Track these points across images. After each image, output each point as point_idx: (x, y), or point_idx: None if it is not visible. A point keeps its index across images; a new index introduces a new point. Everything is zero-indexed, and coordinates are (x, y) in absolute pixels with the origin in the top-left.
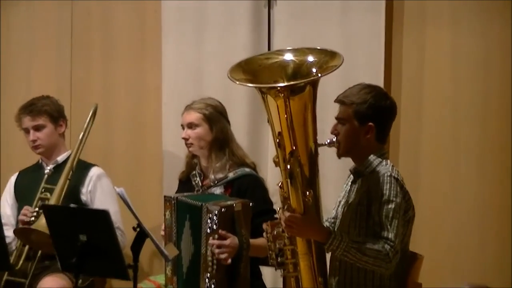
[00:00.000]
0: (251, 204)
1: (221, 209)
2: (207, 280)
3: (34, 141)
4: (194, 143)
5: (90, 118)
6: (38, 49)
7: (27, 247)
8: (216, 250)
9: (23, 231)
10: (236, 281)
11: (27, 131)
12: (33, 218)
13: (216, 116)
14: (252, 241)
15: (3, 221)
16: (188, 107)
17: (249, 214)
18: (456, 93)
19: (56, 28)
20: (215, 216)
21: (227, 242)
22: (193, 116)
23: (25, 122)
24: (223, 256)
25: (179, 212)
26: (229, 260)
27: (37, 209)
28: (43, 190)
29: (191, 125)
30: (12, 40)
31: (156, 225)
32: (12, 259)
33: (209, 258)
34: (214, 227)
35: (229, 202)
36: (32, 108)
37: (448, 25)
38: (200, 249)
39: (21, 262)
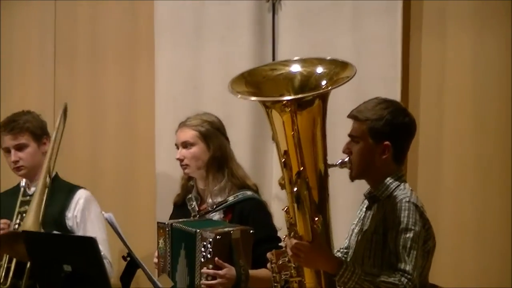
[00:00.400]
0: (252, 231)
1: (216, 237)
2: None
3: (16, 162)
4: (190, 164)
5: (60, 119)
6: (17, 56)
7: (13, 263)
8: (209, 282)
9: (8, 238)
10: None
11: (7, 150)
12: (16, 226)
13: (213, 133)
14: (253, 272)
15: None
16: (182, 124)
17: (249, 242)
18: (480, 106)
19: (37, 31)
20: (209, 244)
21: (222, 272)
22: (188, 134)
23: (6, 141)
24: None
25: (173, 240)
26: None
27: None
28: (19, 216)
29: (186, 144)
30: None
31: (149, 253)
32: None
33: None
34: (209, 256)
35: (226, 229)
36: (13, 125)
37: (471, 29)
38: (194, 281)
39: (9, 280)
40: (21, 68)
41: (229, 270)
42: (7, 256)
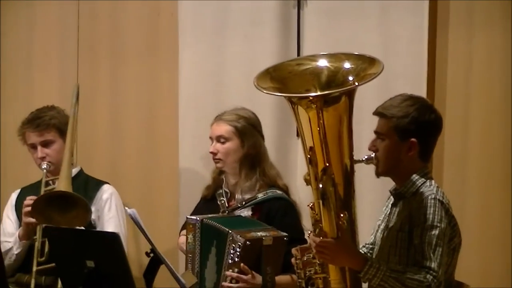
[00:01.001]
0: (285, 238)
1: (246, 242)
2: None
3: (42, 158)
4: (223, 158)
5: (75, 102)
6: (40, 54)
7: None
8: (231, 285)
9: (40, 204)
10: None
11: (33, 146)
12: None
13: (249, 130)
14: (278, 278)
15: (2, 238)
16: (218, 118)
17: (281, 248)
18: (508, 105)
19: (60, 30)
20: (238, 248)
21: (245, 277)
22: (223, 129)
23: (32, 137)
24: None
25: (203, 236)
26: None
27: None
28: None
29: (220, 139)
30: (10, 45)
31: (172, 249)
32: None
33: None
34: (236, 259)
35: (259, 234)
36: (39, 122)
37: (499, 27)
38: (220, 280)
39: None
40: (43, 65)
41: (252, 278)
42: (41, 230)
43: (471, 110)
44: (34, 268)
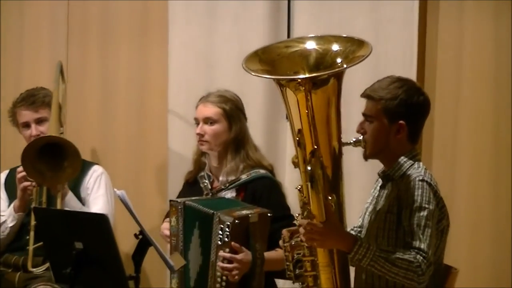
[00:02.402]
0: (270, 214)
1: (235, 221)
2: None
3: (37, 136)
4: (209, 140)
5: (58, 78)
6: (29, 35)
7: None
8: (226, 265)
9: (30, 153)
10: None
11: (26, 125)
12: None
13: (236, 113)
14: (267, 254)
15: None
16: (205, 100)
17: (266, 225)
18: (499, 87)
19: (50, 12)
20: (227, 228)
21: (238, 256)
22: (212, 111)
23: (25, 115)
24: (233, 273)
25: (187, 218)
26: (236, 277)
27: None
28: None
29: (207, 120)
30: (1, 29)
31: (160, 230)
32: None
33: (218, 274)
34: (226, 239)
35: (244, 212)
36: (34, 99)
37: (489, 10)
38: (209, 262)
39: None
40: (33, 47)
41: (245, 255)
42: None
43: (461, 94)
44: (31, 247)
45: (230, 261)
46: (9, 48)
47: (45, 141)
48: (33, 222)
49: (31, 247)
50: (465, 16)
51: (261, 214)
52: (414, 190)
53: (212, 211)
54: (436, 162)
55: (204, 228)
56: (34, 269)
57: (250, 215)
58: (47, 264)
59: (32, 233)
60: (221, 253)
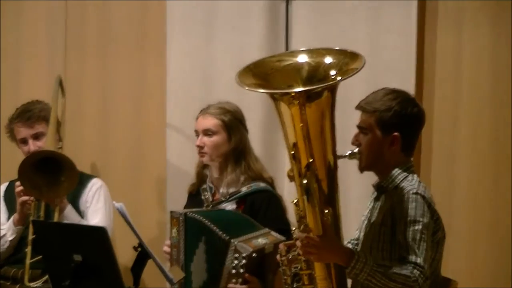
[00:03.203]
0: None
1: (252, 254)
2: None
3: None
4: (209, 152)
5: (57, 90)
6: (26, 47)
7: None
8: None
9: (26, 168)
10: None
11: (23, 141)
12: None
13: (235, 124)
14: None
15: None
16: (204, 111)
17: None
18: (497, 99)
19: (48, 23)
20: (243, 259)
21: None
22: (211, 122)
23: (22, 131)
24: None
25: (188, 230)
26: None
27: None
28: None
29: (207, 132)
30: None
31: (159, 244)
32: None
33: None
34: (241, 270)
35: (260, 241)
36: (29, 114)
37: (488, 22)
38: (217, 284)
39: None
40: (30, 59)
41: (256, 286)
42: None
43: (460, 105)
44: (28, 262)
45: None
46: (7, 61)
47: (40, 156)
48: (30, 237)
49: (27, 261)
50: (464, 26)
51: (276, 244)
52: (408, 203)
53: (228, 238)
54: (435, 173)
55: (213, 248)
56: (31, 283)
57: (266, 247)
58: (45, 278)
59: (29, 248)
60: (231, 285)
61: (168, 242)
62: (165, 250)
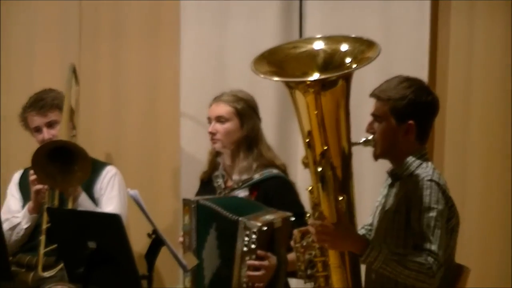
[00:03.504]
0: (292, 218)
1: (262, 227)
2: None
3: (49, 139)
4: (221, 139)
5: (70, 79)
6: (42, 37)
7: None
8: (253, 273)
9: (41, 157)
10: None
11: (38, 129)
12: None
13: (248, 112)
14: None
15: (6, 216)
16: (218, 99)
17: (288, 229)
18: (509, 89)
19: (62, 13)
20: (253, 235)
21: (266, 263)
22: (224, 109)
23: (36, 120)
24: (259, 281)
25: (200, 217)
26: (262, 285)
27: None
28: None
29: (220, 119)
30: (9, 26)
31: (173, 231)
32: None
33: (244, 279)
34: (252, 246)
35: (268, 217)
36: (42, 103)
37: (500, 10)
38: (230, 267)
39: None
40: (45, 49)
41: (271, 261)
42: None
43: (473, 95)
44: (41, 251)
45: (256, 268)
46: (21, 51)
47: (53, 145)
48: (44, 226)
49: (41, 251)
50: (477, 16)
51: (284, 219)
52: (423, 190)
53: (237, 217)
54: (448, 162)
55: (224, 231)
56: (44, 273)
57: (274, 221)
58: (59, 267)
59: (43, 237)
60: (249, 261)
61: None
62: (180, 240)
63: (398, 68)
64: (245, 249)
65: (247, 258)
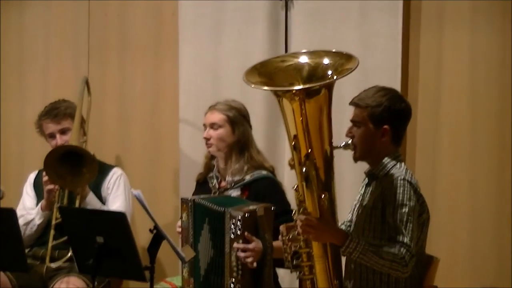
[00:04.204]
0: (273, 208)
1: (245, 214)
2: (232, 285)
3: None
4: (215, 143)
5: (82, 90)
6: (55, 50)
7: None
8: (242, 254)
9: (53, 159)
10: (261, 286)
11: (51, 135)
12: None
13: (239, 119)
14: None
15: (21, 213)
16: (212, 108)
17: (271, 218)
18: (475, 95)
19: (72, 28)
20: (238, 222)
21: (251, 246)
22: (217, 117)
23: (50, 127)
24: (249, 260)
25: (196, 214)
26: (255, 264)
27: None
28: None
29: (213, 125)
30: (27, 42)
31: (173, 226)
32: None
33: (234, 263)
34: (238, 232)
35: (251, 207)
36: (56, 112)
37: (466, 26)
38: (222, 254)
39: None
40: (57, 61)
41: (257, 243)
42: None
43: (441, 101)
44: (50, 244)
45: (243, 250)
46: (36, 64)
47: (64, 149)
48: (54, 221)
49: (50, 244)
50: (444, 31)
51: (266, 207)
52: (397, 188)
53: (223, 209)
54: (419, 162)
55: (214, 224)
56: (51, 264)
57: (257, 209)
58: (64, 258)
59: (52, 232)
60: (235, 244)
61: (179, 223)
62: (178, 231)
63: (373, 77)
64: (232, 236)
65: (235, 242)
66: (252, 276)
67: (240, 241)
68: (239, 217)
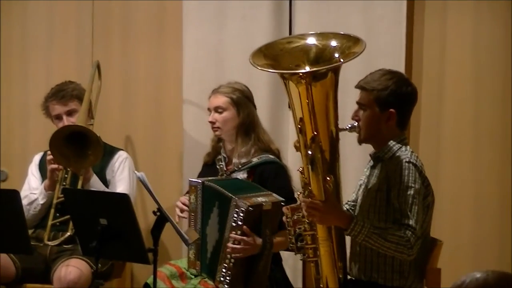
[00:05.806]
0: (283, 202)
1: (249, 208)
2: (223, 271)
3: None
4: (221, 126)
5: (93, 74)
6: (59, 35)
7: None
8: (234, 246)
9: (58, 140)
10: (252, 278)
11: (58, 117)
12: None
13: (243, 101)
14: (274, 239)
15: (26, 193)
16: (215, 91)
17: (278, 212)
18: (478, 79)
19: (76, 13)
20: (241, 213)
21: (247, 239)
22: (221, 100)
23: (56, 109)
24: (237, 253)
25: (205, 197)
26: (240, 255)
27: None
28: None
29: (218, 109)
30: (30, 26)
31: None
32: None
33: (228, 250)
34: (239, 222)
35: (259, 199)
36: (63, 93)
37: (470, 11)
38: (223, 239)
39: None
40: (62, 45)
41: (254, 240)
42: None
43: (445, 85)
44: (49, 222)
45: (239, 242)
46: (41, 46)
47: (70, 129)
48: (54, 201)
49: (49, 222)
50: (448, 15)
51: (274, 203)
52: (402, 171)
53: (231, 195)
54: (422, 146)
55: (222, 208)
56: (50, 242)
57: (264, 203)
58: (63, 238)
59: (52, 210)
60: (232, 234)
61: (180, 204)
62: (179, 214)
63: (378, 61)
64: (233, 224)
65: (233, 232)
66: (245, 267)
67: (239, 232)
68: (243, 209)
